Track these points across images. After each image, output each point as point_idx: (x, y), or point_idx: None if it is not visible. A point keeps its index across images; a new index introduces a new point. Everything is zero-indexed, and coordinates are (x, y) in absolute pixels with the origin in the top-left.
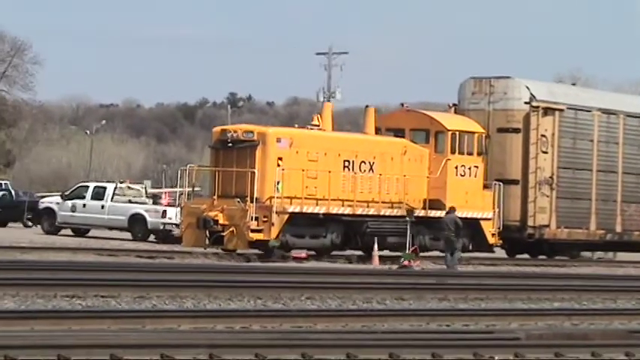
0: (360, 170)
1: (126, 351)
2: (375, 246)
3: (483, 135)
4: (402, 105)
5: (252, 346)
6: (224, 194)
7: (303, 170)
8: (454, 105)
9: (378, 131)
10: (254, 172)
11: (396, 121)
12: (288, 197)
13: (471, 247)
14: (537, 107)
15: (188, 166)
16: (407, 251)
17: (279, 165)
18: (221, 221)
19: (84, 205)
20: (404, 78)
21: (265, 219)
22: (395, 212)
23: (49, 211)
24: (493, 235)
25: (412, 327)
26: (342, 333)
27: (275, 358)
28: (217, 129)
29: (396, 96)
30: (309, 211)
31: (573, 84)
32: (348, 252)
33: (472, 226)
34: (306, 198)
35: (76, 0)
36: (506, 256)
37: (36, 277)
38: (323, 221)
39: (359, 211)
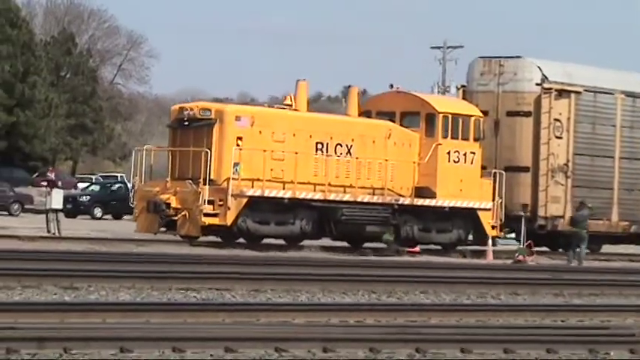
0: (336, 153)
1: (240, 344)
2: (490, 241)
3: (481, 119)
4: (392, 86)
5: (366, 340)
6: (180, 176)
7: (265, 151)
8: (462, 87)
9: (368, 114)
10: (207, 152)
11: (387, 104)
12: (249, 179)
13: (470, 239)
14: (550, 89)
15: (145, 146)
16: (521, 246)
17: (238, 145)
18: (173, 205)
19: None
20: None
21: (221, 203)
22: (376, 199)
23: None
24: (493, 227)
25: (527, 322)
26: (456, 327)
27: (389, 352)
28: (175, 107)
29: None
30: (272, 195)
31: None
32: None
33: (469, 216)
34: (270, 181)
35: None
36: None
37: (151, 269)
38: (291, 207)
39: (331, 197)
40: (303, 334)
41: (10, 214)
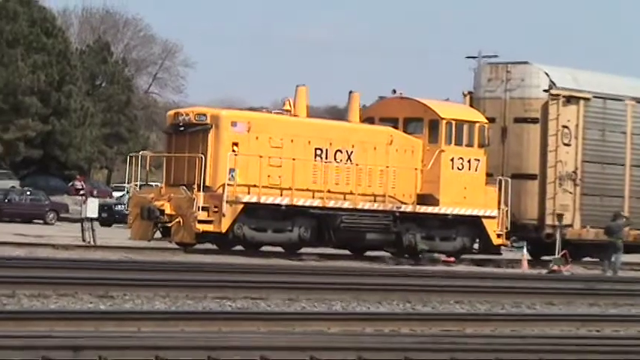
0: (335, 160)
1: (276, 353)
2: (525, 250)
3: (486, 125)
4: (395, 91)
5: (401, 349)
6: (176, 182)
7: (261, 157)
8: (470, 93)
9: (371, 121)
10: (201, 158)
11: (390, 110)
12: (245, 186)
13: (477, 248)
14: (557, 95)
15: (141, 153)
16: (557, 255)
17: (233, 151)
18: (168, 211)
19: None
20: None
21: (216, 209)
22: (376, 206)
23: None
24: (499, 235)
25: (562, 332)
26: (490, 337)
27: None
28: (171, 112)
29: None
30: (269, 201)
31: None
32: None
33: (473, 224)
34: (268, 187)
35: (225, 3)
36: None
37: (186, 278)
38: (288, 214)
39: (330, 204)
40: (338, 343)
41: (46, 223)
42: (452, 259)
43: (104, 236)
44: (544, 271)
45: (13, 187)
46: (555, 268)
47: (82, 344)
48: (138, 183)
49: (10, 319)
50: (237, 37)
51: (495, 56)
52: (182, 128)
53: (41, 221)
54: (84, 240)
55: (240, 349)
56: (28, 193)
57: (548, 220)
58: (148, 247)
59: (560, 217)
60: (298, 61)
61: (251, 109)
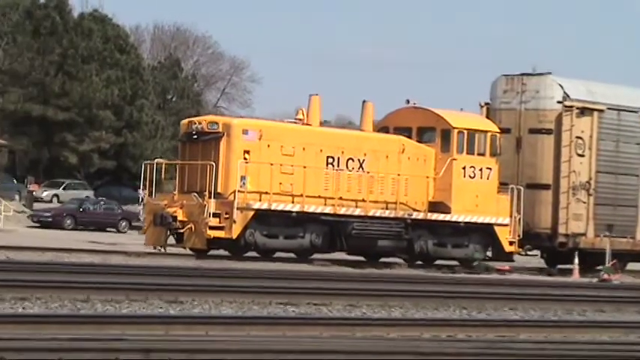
0: (347, 168)
1: (337, 356)
2: (576, 260)
3: (498, 135)
4: (408, 101)
5: (457, 354)
6: (189, 189)
7: (271, 164)
8: (486, 104)
9: (385, 130)
10: (212, 165)
11: (403, 120)
12: (257, 193)
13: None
14: (571, 107)
15: (155, 160)
16: (608, 264)
17: (245, 158)
18: (180, 218)
19: None
20: None
21: (227, 216)
22: (387, 214)
23: None
24: (511, 243)
25: (611, 338)
26: (543, 343)
27: None
28: (185, 121)
29: None
30: (279, 208)
31: None
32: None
33: (485, 232)
34: (279, 194)
35: (290, 21)
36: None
37: (252, 284)
38: (300, 220)
39: (342, 211)
40: (397, 348)
41: (118, 231)
42: (506, 267)
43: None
44: (595, 280)
45: (87, 197)
46: (605, 276)
47: (152, 347)
48: (153, 190)
49: (84, 323)
50: (301, 53)
51: (549, 73)
52: (195, 136)
53: (114, 229)
54: (154, 247)
55: (303, 353)
56: (102, 202)
57: (562, 230)
58: (214, 255)
59: (609, 227)
60: (357, 75)
61: None
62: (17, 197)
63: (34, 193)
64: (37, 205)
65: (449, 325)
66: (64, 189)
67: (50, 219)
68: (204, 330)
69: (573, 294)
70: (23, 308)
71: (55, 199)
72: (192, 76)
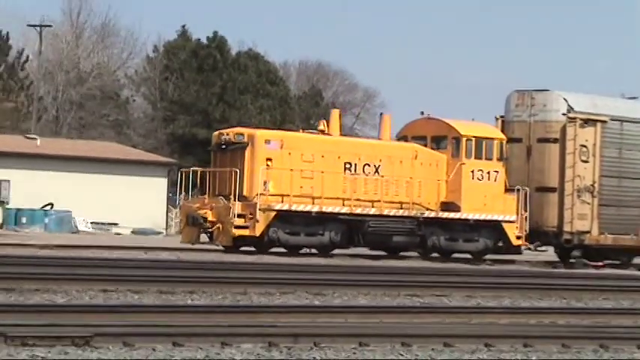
0: (364, 172)
1: (457, 340)
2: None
3: (503, 141)
4: (422, 113)
5: (559, 337)
6: (219, 193)
7: (291, 170)
8: (501, 117)
9: (405, 139)
10: (237, 172)
11: (419, 129)
12: (279, 195)
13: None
14: (574, 118)
15: (191, 168)
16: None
17: (268, 165)
18: (210, 218)
19: None
20: None
21: (251, 216)
22: (401, 212)
23: None
24: (518, 237)
25: None
26: (634, 328)
27: (578, 347)
28: (216, 133)
29: None
30: (300, 209)
31: None
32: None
33: (494, 228)
34: (300, 196)
35: (414, 55)
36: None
37: (384, 279)
38: (320, 220)
39: (358, 210)
40: (507, 332)
41: None
42: (601, 263)
43: None
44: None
45: None
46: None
47: (300, 332)
48: (189, 194)
49: (242, 312)
50: (423, 81)
51: (634, 98)
52: (224, 146)
53: None
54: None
55: (428, 337)
56: None
57: (567, 228)
58: (354, 254)
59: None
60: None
61: None
62: None
63: None
64: None
65: (551, 312)
66: None
67: None
68: (344, 317)
69: None
70: (191, 300)
71: None
72: (331, 104)
